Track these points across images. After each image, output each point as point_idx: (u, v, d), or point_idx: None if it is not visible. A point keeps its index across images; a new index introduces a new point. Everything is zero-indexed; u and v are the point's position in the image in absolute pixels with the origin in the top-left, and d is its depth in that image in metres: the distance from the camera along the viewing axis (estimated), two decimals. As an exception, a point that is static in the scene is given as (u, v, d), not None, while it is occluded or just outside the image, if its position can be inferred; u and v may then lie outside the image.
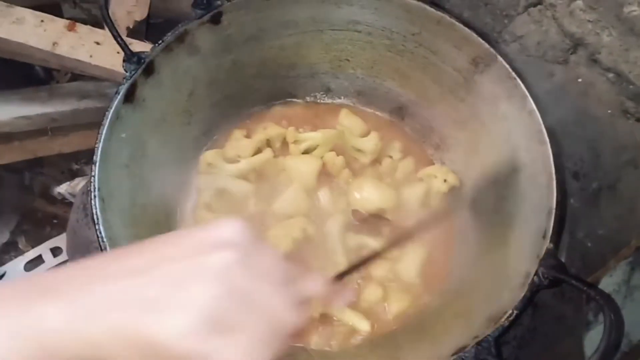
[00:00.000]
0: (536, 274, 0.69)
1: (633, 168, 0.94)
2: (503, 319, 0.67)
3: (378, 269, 0.88)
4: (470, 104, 0.88)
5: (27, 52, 1.11)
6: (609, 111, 0.92)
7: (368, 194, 0.91)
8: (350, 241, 0.89)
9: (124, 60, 0.81)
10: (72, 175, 1.35)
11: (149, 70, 0.82)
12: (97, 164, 0.76)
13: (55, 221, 1.41)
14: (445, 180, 0.92)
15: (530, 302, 0.68)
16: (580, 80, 0.90)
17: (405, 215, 0.92)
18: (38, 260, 1.38)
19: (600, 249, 0.91)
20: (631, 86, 0.84)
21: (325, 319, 0.84)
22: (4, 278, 1.35)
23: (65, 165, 1.39)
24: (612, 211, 0.92)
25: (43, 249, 1.38)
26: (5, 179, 1.39)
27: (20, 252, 1.38)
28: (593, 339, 0.90)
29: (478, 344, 0.66)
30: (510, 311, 0.67)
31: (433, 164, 0.98)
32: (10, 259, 1.37)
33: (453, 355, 0.66)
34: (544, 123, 0.78)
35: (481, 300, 0.76)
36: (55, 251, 1.37)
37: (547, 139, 0.76)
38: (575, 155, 0.92)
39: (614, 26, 0.85)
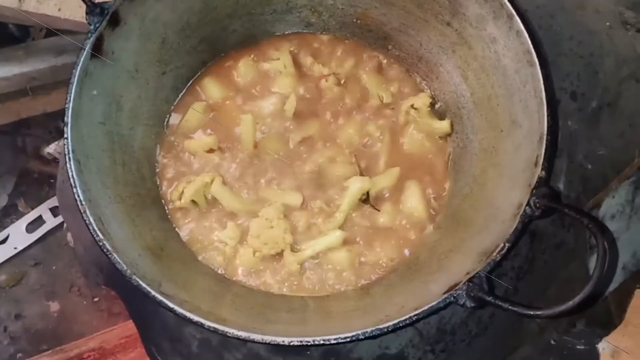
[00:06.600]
0: (528, 204, 0.66)
1: (634, 82, 0.89)
2: (495, 253, 0.65)
3: (383, 216, 0.86)
4: (455, 28, 0.82)
5: (-4, 11, 1.07)
6: (607, 23, 0.86)
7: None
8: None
9: (86, 13, 0.77)
10: (60, 134, 1.32)
11: (115, 21, 0.78)
12: (69, 125, 0.74)
13: (52, 180, 1.40)
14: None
15: (522, 233, 0.66)
16: (575, -9, 0.84)
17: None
18: (39, 221, 1.38)
19: (601, 170, 0.87)
20: (629, -6, 0.78)
21: (309, 264, 0.83)
22: (7, 241, 1.36)
23: (52, 125, 1.36)
24: (613, 129, 0.88)
25: (43, 209, 1.38)
26: (-3, 142, 1.38)
27: (21, 215, 1.38)
28: (597, 261, 0.88)
29: (469, 280, 0.64)
30: (502, 244, 0.65)
31: (423, 91, 0.93)
32: (12, 222, 1.37)
33: (445, 293, 0.64)
34: (533, 43, 0.72)
35: (474, 234, 0.74)
36: (55, 210, 1.37)
37: (537, 60, 0.71)
38: (571, 74, 0.86)
39: None
